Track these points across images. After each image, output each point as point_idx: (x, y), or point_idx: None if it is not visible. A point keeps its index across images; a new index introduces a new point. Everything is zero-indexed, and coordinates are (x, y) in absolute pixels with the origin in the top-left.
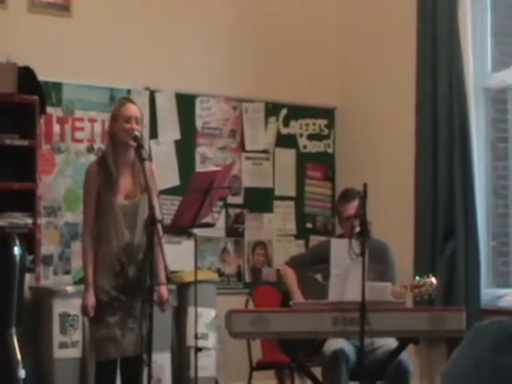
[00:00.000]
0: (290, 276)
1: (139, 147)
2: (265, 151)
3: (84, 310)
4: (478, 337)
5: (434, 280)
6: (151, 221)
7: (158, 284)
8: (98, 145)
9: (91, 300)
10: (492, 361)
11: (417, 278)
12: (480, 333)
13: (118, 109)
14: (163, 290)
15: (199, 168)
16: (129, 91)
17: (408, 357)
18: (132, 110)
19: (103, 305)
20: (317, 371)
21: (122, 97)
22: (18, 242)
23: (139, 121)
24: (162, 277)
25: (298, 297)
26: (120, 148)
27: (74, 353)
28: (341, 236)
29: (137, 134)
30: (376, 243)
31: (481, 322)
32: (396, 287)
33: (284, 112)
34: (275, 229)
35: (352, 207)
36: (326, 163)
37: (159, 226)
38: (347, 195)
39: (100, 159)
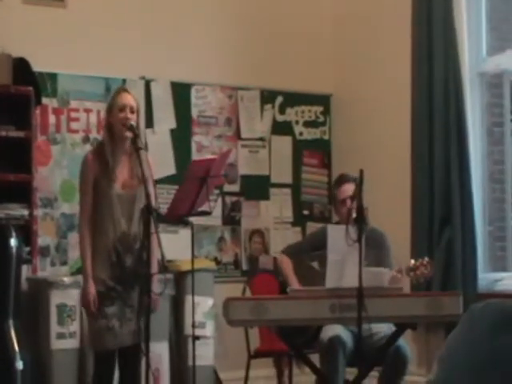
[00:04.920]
0: (286, 263)
1: (135, 137)
2: (261, 139)
3: (85, 302)
4: (473, 319)
5: (428, 261)
6: (148, 209)
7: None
8: (94, 135)
9: (92, 290)
10: (489, 343)
11: (412, 261)
12: (476, 315)
13: (112, 99)
14: (154, 284)
15: (195, 157)
16: (124, 81)
17: (406, 342)
18: (126, 99)
19: (101, 295)
20: (315, 358)
21: (118, 87)
22: (14, 234)
23: (134, 109)
24: (155, 267)
25: (293, 284)
26: (117, 138)
27: (72, 343)
28: (337, 223)
29: (132, 123)
30: (372, 230)
31: (476, 304)
32: (392, 271)
33: (280, 99)
34: (272, 216)
35: (347, 190)
36: (322, 150)
37: (155, 215)
38: (341, 179)
39: (96, 148)
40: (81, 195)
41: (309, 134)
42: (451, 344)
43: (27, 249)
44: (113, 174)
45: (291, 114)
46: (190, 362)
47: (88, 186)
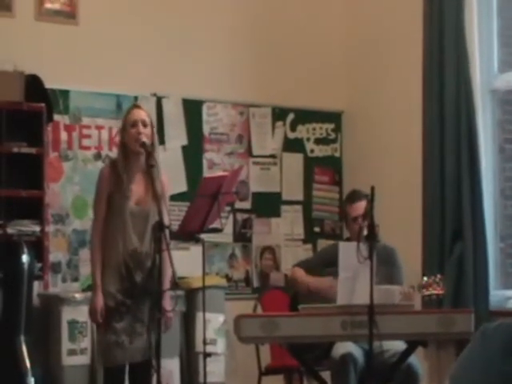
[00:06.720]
0: (300, 272)
1: (148, 154)
2: (272, 156)
3: (93, 314)
4: (485, 339)
5: (441, 278)
6: (159, 226)
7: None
8: (106, 152)
9: (100, 302)
10: (500, 364)
11: (424, 278)
12: (488, 335)
13: (125, 117)
14: (166, 301)
15: (207, 173)
16: (136, 98)
17: (417, 359)
18: (137, 114)
19: (110, 310)
20: (326, 375)
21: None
22: (26, 250)
23: (147, 123)
24: (166, 284)
25: (314, 281)
26: (131, 156)
27: (83, 360)
28: (348, 239)
29: (145, 140)
30: (384, 247)
31: (488, 324)
32: (404, 287)
33: (291, 116)
34: (283, 233)
35: (359, 207)
36: (333, 167)
37: (167, 232)
38: (354, 196)
39: (113, 163)
40: (94, 207)
41: (320, 151)
42: (463, 363)
43: (39, 265)
44: (127, 191)
45: (302, 131)
46: (201, 379)
47: (102, 199)
